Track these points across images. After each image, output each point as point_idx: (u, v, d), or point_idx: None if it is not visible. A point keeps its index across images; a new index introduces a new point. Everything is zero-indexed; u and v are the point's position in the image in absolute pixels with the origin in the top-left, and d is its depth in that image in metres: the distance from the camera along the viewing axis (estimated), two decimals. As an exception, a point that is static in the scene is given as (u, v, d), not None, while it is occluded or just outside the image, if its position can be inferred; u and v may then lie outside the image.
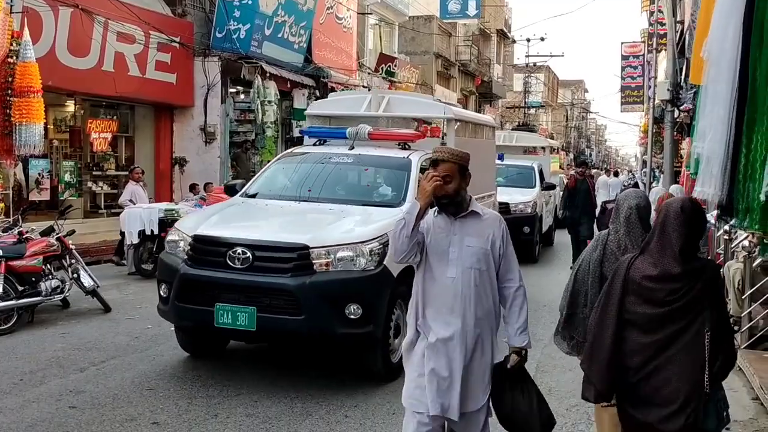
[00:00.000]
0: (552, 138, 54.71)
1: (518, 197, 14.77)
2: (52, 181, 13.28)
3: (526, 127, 34.10)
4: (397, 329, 6.67)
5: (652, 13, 26.29)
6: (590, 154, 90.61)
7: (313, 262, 6.07)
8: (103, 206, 15.28)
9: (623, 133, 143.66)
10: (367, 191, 7.66)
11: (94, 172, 15.18)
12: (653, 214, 4.22)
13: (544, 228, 16.38)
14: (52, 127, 13.98)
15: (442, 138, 8.61)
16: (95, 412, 5.56)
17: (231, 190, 7.95)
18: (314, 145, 8.63)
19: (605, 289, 3.61)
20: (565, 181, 24.31)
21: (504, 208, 13.66)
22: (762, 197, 3.16)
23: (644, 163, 29.83)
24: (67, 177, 13.89)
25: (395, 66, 26.15)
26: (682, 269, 3.32)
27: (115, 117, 15.58)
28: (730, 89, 3.46)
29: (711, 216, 7.46)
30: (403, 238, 3.60)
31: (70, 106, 14.60)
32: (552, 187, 15.91)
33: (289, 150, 9.37)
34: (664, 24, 21.50)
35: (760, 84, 3.40)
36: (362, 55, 24.91)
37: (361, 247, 6.20)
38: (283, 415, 5.64)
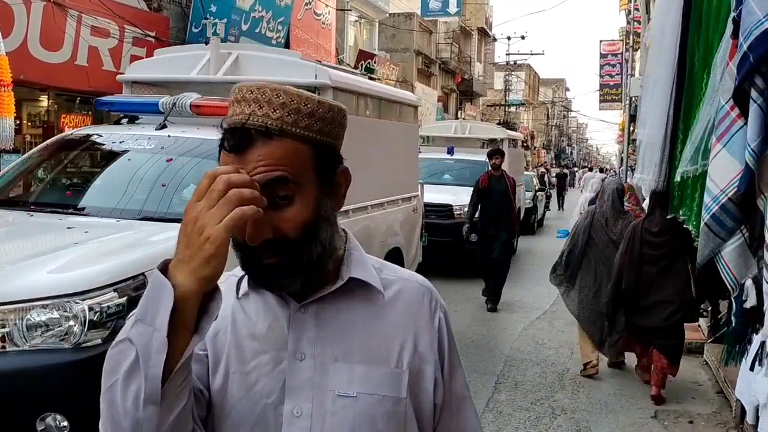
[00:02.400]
0: (533, 136, 54.80)
1: (465, 198, 11.47)
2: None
3: (506, 125, 34.22)
4: None
5: (629, 12, 26.49)
6: (571, 153, 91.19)
7: None
8: (77, 202, 15.16)
9: (603, 131, 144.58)
10: (162, 196, 4.84)
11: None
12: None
13: None
14: (25, 122, 13.84)
15: None
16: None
17: None
18: (117, 123, 6.10)
19: (627, 241, 6.15)
20: (535, 181, 23.87)
21: (446, 210, 11.89)
22: (677, 178, 3.19)
23: (622, 160, 30.09)
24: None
25: (375, 63, 26.13)
26: (668, 228, 5.64)
27: (89, 112, 15.40)
28: (670, 74, 3.45)
29: None
30: (133, 406, 1.08)
31: (44, 101, 14.45)
32: None
33: (66, 132, 6.81)
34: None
35: (698, 69, 3.40)
36: (341, 52, 24.87)
37: (74, 304, 3.44)
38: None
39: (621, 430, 5.55)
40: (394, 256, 7.07)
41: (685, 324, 6.36)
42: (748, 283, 2.82)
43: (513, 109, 54.36)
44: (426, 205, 9.21)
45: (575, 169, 60.02)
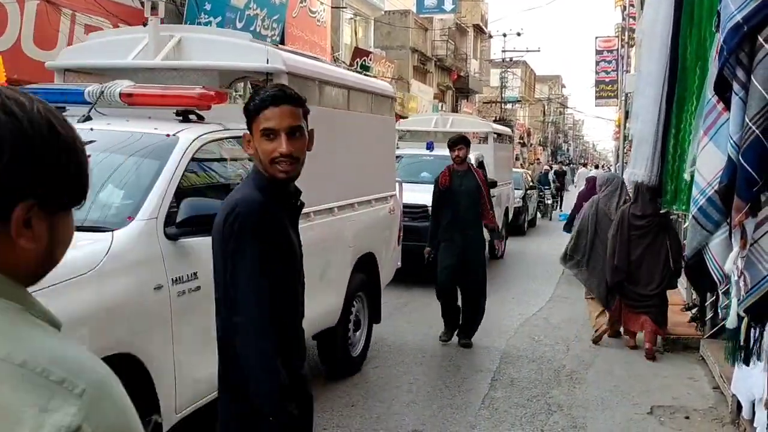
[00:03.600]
0: (529, 134, 54.64)
1: None
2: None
3: (503, 122, 34.18)
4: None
5: (625, 8, 26.51)
6: (568, 149, 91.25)
7: None
8: (72, 201, 15.12)
9: (600, 128, 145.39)
10: None
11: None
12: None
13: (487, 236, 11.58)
14: (19, 121, 13.84)
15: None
16: None
17: None
18: None
19: (617, 224, 7.39)
20: (528, 178, 23.38)
21: (422, 212, 10.35)
22: (686, 177, 3.18)
23: (618, 157, 30.12)
24: None
25: (370, 60, 26.10)
26: (650, 213, 7.04)
27: (84, 111, 15.42)
28: (662, 69, 3.44)
29: None
30: None
31: (38, 100, 14.46)
32: (494, 184, 11.45)
33: None
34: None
35: (690, 63, 3.39)
36: (337, 50, 24.85)
37: None
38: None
39: (617, 426, 5.54)
40: (368, 262, 6.61)
41: (682, 318, 7.42)
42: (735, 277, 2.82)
43: (509, 106, 54.36)
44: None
45: (573, 165, 59.62)
